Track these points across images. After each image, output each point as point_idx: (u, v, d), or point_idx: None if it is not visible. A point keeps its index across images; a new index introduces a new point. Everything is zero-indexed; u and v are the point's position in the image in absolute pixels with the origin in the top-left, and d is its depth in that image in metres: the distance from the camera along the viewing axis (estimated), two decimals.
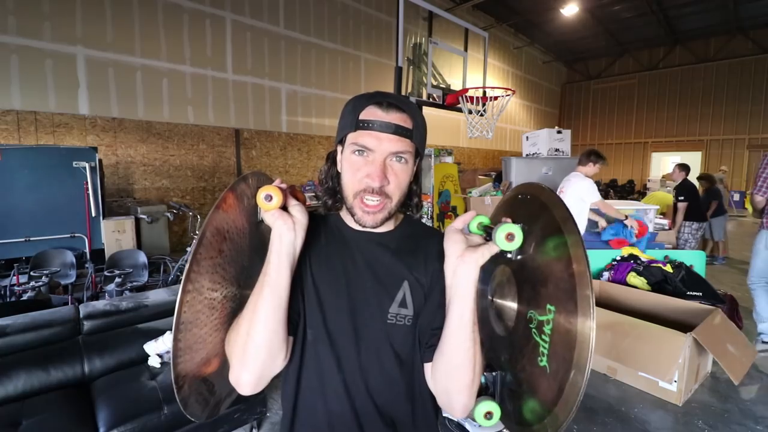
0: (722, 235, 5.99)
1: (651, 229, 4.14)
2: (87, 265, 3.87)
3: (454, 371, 0.65)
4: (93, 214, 4.41)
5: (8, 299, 3.19)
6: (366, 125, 0.67)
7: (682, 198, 4.98)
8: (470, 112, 5.02)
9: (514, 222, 0.64)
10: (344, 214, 0.77)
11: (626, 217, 3.57)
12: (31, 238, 4.15)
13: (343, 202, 0.74)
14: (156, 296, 2.35)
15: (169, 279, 3.89)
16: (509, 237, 0.61)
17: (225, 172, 7.26)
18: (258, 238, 0.70)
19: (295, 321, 0.68)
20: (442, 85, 5.30)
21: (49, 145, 5.15)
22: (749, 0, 11.35)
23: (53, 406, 1.69)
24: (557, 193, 3.34)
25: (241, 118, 7.39)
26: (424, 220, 5.24)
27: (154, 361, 2.01)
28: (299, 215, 0.64)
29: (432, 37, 5.16)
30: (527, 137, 5.41)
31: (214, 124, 7.06)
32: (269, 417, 2.21)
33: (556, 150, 5.13)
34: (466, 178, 8.73)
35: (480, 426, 0.71)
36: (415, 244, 0.77)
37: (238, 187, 0.65)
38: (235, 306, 0.66)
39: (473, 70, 6.14)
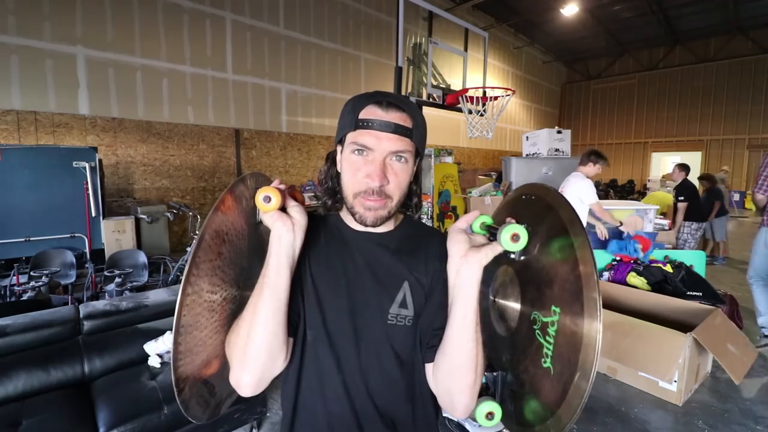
0: (724, 236, 5.98)
1: (651, 229, 4.14)
2: (87, 265, 3.87)
3: (456, 372, 0.65)
4: (93, 214, 4.41)
5: (8, 299, 3.19)
6: (365, 124, 0.67)
7: (682, 198, 4.98)
8: (470, 112, 5.02)
9: (517, 222, 0.64)
10: (344, 215, 0.77)
11: (621, 223, 3.51)
12: (31, 238, 4.15)
13: (342, 203, 0.73)
14: (156, 296, 2.35)
15: (169, 279, 3.89)
16: (514, 237, 0.61)
17: (225, 172, 7.26)
18: (257, 239, 0.70)
19: (294, 322, 0.67)
20: (442, 85, 5.30)
21: (49, 145, 5.15)
22: (749, 0, 11.36)
23: (53, 406, 1.69)
24: None
25: (241, 118, 7.39)
26: (424, 220, 5.24)
27: (154, 361, 2.01)
28: (298, 216, 0.64)
29: (432, 37, 5.16)
30: (527, 137, 5.41)
31: (214, 124, 7.06)
32: (269, 417, 2.21)
33: (556, 150, 5.13)
34: (466, 178, 8.73)
35: (480, 426, 0.71)
36: (416, 244, 0.76)
37: (237, 189, 0.65)
38: (235, 307, 0.66)
39: (473, 70, 6.14)
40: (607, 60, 17.01)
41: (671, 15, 12.68)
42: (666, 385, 2.46)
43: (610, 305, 2.98)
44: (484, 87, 5.27)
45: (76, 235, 4.35)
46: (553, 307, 0.60)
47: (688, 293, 3.02)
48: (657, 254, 3.61)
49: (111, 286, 3.12)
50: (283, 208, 0.64)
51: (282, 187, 0.65)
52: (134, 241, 4.79)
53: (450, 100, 5.21)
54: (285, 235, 0.62)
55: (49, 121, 5.43)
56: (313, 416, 0.71)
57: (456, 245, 0.67)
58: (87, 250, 4.34)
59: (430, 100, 5.12)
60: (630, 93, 16.56)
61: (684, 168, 5.17)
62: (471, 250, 0.65)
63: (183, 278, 0.54)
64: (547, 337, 0.61)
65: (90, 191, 4.34)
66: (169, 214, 4.83)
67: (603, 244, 3.65)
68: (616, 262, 3.51)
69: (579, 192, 3.35)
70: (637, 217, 4.14)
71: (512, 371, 0.71)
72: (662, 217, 5.33)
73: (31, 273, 3.22)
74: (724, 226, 5.97)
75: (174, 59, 6.51)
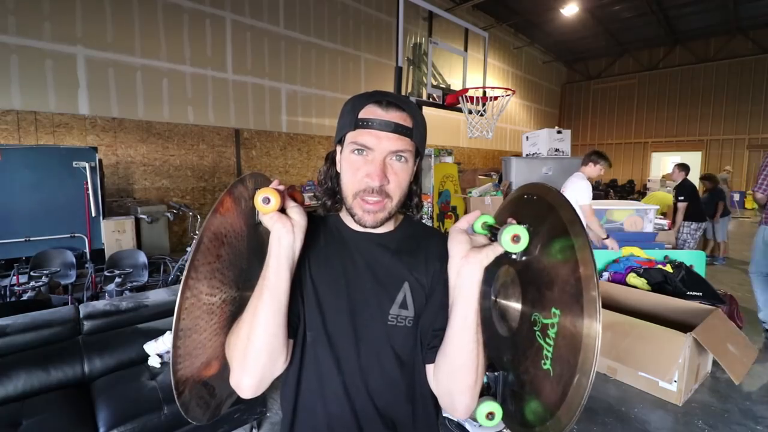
0: (725, 236, 5.97)
1: (651, 229, 4.14)
2: (87, 265, 3.87)
3: (457, 372, 0.65)
4: (93, 214, 4.41)
5: (8, 299, 3.19)
6: (365, 124, 0.67)
7: (681, 198, 4.98)
8: (470, 112, 5.02)
9: (519, 222, 0.64)
10: (344, 215, 0.76)
11: (607, 236, 3.38)
12: (31, 238, 4.15)
13: (342, 203, 0.73)
14: (156, 296, 2.35)
15: (169, 279, 3.89)
16: (515, 239, 0.61)
17: (225, 172, 7.26)
18: (256, 240, 0.69)
19: (294, 323, 0.67)
20: (442, 85, 5.30)
21: (49, 145, 5.15)
22: (749, 0, 11.35)
23: (53, 406, 1.69)
24: None
25: (241, 118, 7.39)
26: (424, 220, 5.24)
27: (154, 361, 2.01)
28: (298, 217, 0.64)
29: (432, 37, 5.17)
30: (527, 137, 5.41)
31: (214, 124, 7.06)
32: (269, 417, 2.21)
33: (556, 150, 5.13)
34: (466, 178, 8.72)
35: (480, 426, 0.71)
36: (416, 244, 0.76)
37: (236, 190, 0.64)
38: (235, 309, 0.66)
39: (473, 70, 6.14)
40: (607, 60, 17.01)
41: (671, 15, 12.67)
42: (666, 385, 2.45)
43: (610, 305, 2.98)
44: (484, 87, 5.27)
45: (76, 235, 4.35)
46: (553, 309, 0.60)
47: (688, 293, 3.02)
48: (657, 254, 3.61)
49: (111, 286, 3.12)
50: (282, 209, 0.64)
51: (281, 188, 0.65)
52: (134, 241, 4.79)
53: (450, 100, 5.21)
54: (285, 236, 0.62)
55: (49, 121, 5.43)
56: (313, 417, 0.71)
57: (457, 246, 0.66)
58: (87, 250, 4.34)
59: (430, 100, 5.12)
60: (630, 93, 16.55)
61: (684, 168, 5.16)
62: (472, 251, 0.64)
63: (181, 282, 0.54)
64: (547, 339, 0.60)
65: (90, 191, 4.34)
66: (169, 214, 4.83)
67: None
68: (615, 263, 3.51)
69: (575, 192, 3.33)
70: (637, 217, 4.14)
71: (513, 372, 0.71)
72: (662, 217, 5.33)
73: (31, 273, 3.22)
74: (726, 226, 5.95)
75: (174, 59, 6.51)
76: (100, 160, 4.65)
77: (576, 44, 15.33)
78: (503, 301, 0.75)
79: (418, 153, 0.73)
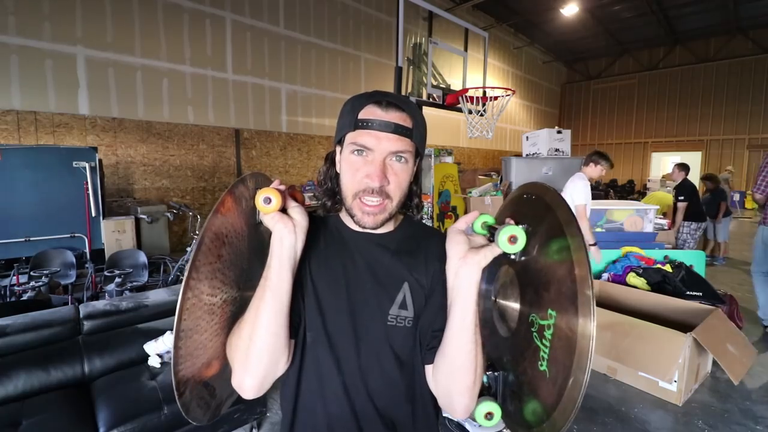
0: (726, 236, 5.95)
1: (651, 229, 4.13)
2: (87, 265, 3.87)
3: (455, 373, 0.65)
4: (93, 214, 4.41)
5: (8, 299, 3.19)
6: (365, 124, 0.67)
7: (681, 198, 4.98)
8: (470, 112, 5.02)
9: (518, 222, 0.63)
10: (344, 216, 0.76)
11: (595, 243, 3.34)
12: (31, 238, 4.15)
13: (342, 204, 0.73)
14: (156, 296, 2.35)
15: (169, 279, 3.89)
16: (512, 239, 0.60)
17: (225, 172, 7.26)
18: (257, 240, 0.69)
19: (296, 324, 0.67)
20: (442, 85, 5.30)
21: (49, 145, 5.15)
22: (749, 0, 11.35)
23: (53, 406, 1.69)
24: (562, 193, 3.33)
25: (241, 118, 7.39)
26: (424, 220, 5.24)
27: (154, 361, 2.01)
28: (299, 217, 0.64)
29: (432, 37, 5.17)
30: (527, 137, 5.41)
31: (214, 124, 7.06)
32: (269, 417, 2.21)
33: (556, 150, 5.13)
34: (466, 178, 8.73)
35: (480, 426, 0.71)
36: (416, 244, 0.76)
37: (237, 190, 0.64)
38: (235, 309, 0.66)
39: (473, 70, 6.14)
40: (607, 60, 17.01)
41: (671, 15, 12.67)
42: (666, 385, 2.46)
43: (610, 305, 2.98)
44: (484, 87, 5.27)
45: (76, 235, 4.35)
46: (549, 311, 0.60)
47: (688, 293, 3.02)
48: (656, 254, 3.61)
49: (111, 286, 3.12)
50: (283, 209, 0.64)
51: (282, 187, 0.65)
52: (134, 241, 4.79)
53: (450, 100, 5.21)
54: (287, 236, 0.62)
55: (49, 121, 5.43)
56: (313, 417, 0.71)
57: (455, 247, 0.66)
58: (87, 250, 4.34)
59: (430, 100, 5.12)
60: (630, 93, 16.55)
61: (683, 168, 5.16)
62: (470, 252, 0.64)
63: (183, 282, 0.54)
64: (544, 341, 0.60)
65: (90, 191, 4.34)
66: (169, 214, 4.83)
67: (603, 245, 3.65)
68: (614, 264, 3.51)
69: (572, 191, 3.32)
70: (637, 217, 4.14)
71: (513, 372, 0.71)
72: (662, 217, 5.33)
73: (31, 273, 3.22)
74: (728, 227, 5.94)
75: (174, 59, 6.51)
76: (100, 160, 4.65)
77: (576, 44, 15.32)
78: (503, 302, 0.75)
79: (418, 153, 0.73)
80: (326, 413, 0.70)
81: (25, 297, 2.92)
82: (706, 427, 2.24)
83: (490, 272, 0.78)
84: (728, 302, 3.24)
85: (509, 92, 5.11)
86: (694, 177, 5.57)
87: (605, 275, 3.45)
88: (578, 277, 0.55)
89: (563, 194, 3.38)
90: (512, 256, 0.64)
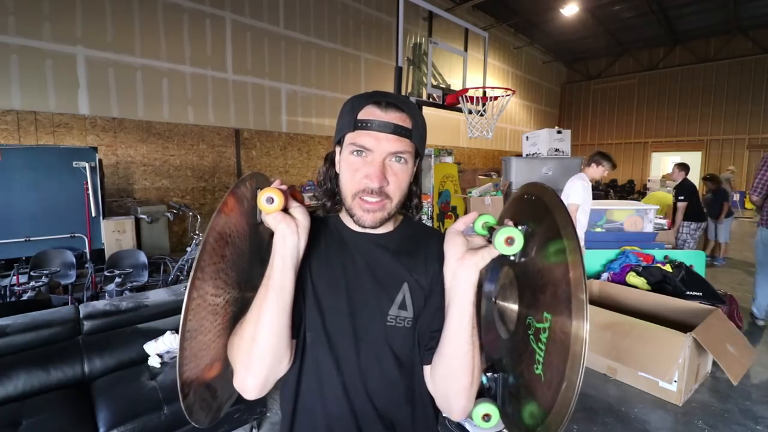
0: (728, 236, 5.94)
1: (651, 229, 4.14)
2: (87, 265, 3.87)
3: (452, 374, 0.65)
4: (93, 214, 4.41)
5: (8, 299, 3.19)
6: (364, 125, 0.67)
7: (681, 198, 4.98)
8: (470, 112, 5.02)
9: (519, 223, 0.63)
10: (343, 216, 0.76)
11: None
12: (31, 238, 4.15)
13: (342, 204, 0.73)
14: (156, 296, 2.35)
15: (169, 279, 3.89)
16: (509, 241, 0.60)
17: (225, 172, 7.26)
18: (256, 240, 0.69)
19: (297, 324, 0.67)
20: (442, 85, 5.30)
21: (49, 145, 5.15)
22: (749, 0, 11.35)
23: (53, 406, 1.70)
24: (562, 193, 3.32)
25: (241, 118, 7.39)
26: (424, 221, 5.24)
27: (154, 361, 2.01)
28: (301, 217, 0.64)
29: (432, 37, 5.16)
30: (527, 137, 5.40)
31: (214, 124, 7.06)
32: (269, 417, 2.21)
33: (556, 150, 5.13)
34: (466, 178, 8.74)
35: (479, 427, 0.71)
36: (415, 245, 0.76)
37: (239, 190, 0.64)
38: (237, 310, 0.66)
39: (473, 70, 6.13)
40: (607, 60, 17.00)
41: (671, 15, 12.67)
42: (666, 385, 2.46)
43: (610, 305, 2.98)
44: (484, 87, 5.26)
45: (76, 235, 4.35)
46: (545, 314, 0.59)
47: (688, 293, 3.03)
48: (657, 254, 3.61)
49: (111, 286, 3.12)
50: (285, 209, 0.64)
51: (284, 187, 0.65)
52: (134, 241, 4.79)
53: (450, 100, 5.21)
54: (290, 236, 0.62)
55: (49, 121, 5.43)
56: (312, 418, 0.71)
57: (453, 248, 0.66)
58: (87, 250, 4.34)
59: (430, 100, 5.11)
60: (630, 93, 16.54)
61: (683, 168, 5.16)
62: (468, 253, 0.64)
63: (188, 282, 0.54)
64: (539, 344, 0.60)
65: (90, 191, 4.34)
66: (169, 214, 4.84)
67: (603, 245, 3.65)
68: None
69: (569, 191, 3.32)
70: (637, 217, 4.14)
71: (511, 374, 0.71)
72: (662, 217, 5.33)
73: (31, 273, 3.22)
74: (729, 227, 5.93)
75: (174, 59, 6.51)
76: (100, 160, 4.65)
77: (576, 44, 15.32)
78: (502, 303, 0.74)
79: (418, 154, 0.73)
80: (326, 413, 0.70)
81: (25, 297, 2.92)
82: (706, 427, 2.24)
83: (493, 273, 0.78)
84: (728, 302, 3.24)
85: (509, 92, 5.10)
86: (694, 177, 5.57)
87: (605, 275, 3.45)
88: (572, 280, 0.55)
89: (562, 194, 3.39)
90: (511, 258, 0.64)
